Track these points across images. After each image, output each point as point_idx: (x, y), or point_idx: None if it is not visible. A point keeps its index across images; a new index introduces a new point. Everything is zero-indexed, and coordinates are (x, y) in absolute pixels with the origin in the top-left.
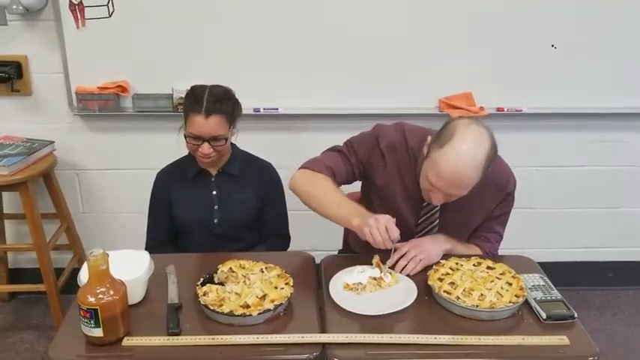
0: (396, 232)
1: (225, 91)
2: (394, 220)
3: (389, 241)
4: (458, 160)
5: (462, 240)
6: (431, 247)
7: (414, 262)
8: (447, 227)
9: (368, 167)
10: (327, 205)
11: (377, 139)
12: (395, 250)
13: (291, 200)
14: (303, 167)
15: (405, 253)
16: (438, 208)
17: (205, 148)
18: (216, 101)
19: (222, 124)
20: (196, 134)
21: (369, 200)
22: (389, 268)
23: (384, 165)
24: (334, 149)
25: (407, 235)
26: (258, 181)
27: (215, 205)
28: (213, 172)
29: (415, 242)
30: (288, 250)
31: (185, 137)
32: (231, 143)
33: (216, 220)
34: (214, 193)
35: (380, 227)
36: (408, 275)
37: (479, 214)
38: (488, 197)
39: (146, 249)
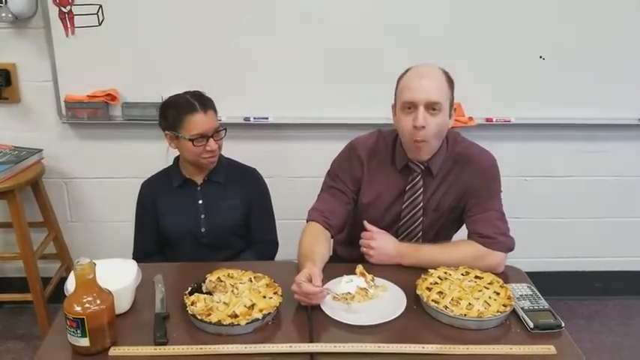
0: (313, 284)
1: (199, 91)
2: (308, 274)
3: (313, 299)
4: (420, 67)
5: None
6: (389, 251)
7: (366, 250)
8: (428, 210)
9: (359, 179)
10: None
11: (353, 149)
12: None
13: (280, 209)
14: (307, 220)
15: (369, 238)
16: (421, 191)
17: (212, 143)
18: (202, 98)
19: (216, 117)
20: (201, 132)
21: (355, 210)
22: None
23: (362, 171)
24: (324, 187)
25: (394, 221)
26: (244, 187)
27: (202, 215)
28: (199, 180)
29: (384, 236)
30: (277, 258)
31: (191, 141)
32: None
33: (203, 229)
34: (200, 202)
35: (299, 294)
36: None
37: (461, 196)
38: (469, 178)
39: (134, 259)
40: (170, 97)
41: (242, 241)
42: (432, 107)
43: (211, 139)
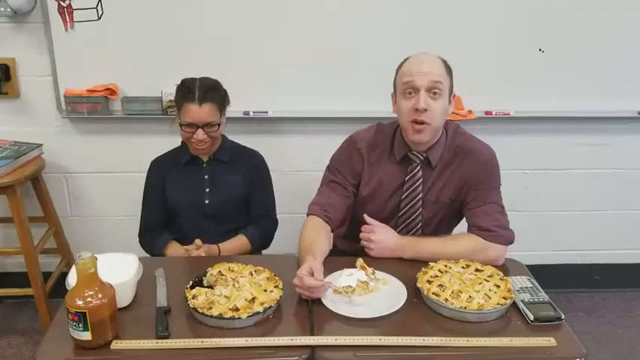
0: (313, 279)
1: (214, 82)
2: (309, 268)
3: (315, 292)
4: (419, 55)
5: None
6: (389, 244)
7: (366, 243)
8: (427, 202)
9: (359, 173)
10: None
11: (353, 143)
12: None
13: (280, 203)
14: (307, 214)
15: (369, 231)
16: (420, 182)
17: (200, 134)
18: (207, 90)
19: (214, 112)
20: (191, 122)
21: (355, 203)
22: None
23: (362, 165)
24: (324, 181)
25: (393, 212)
26: (246, 166)
27: (207, 188)
28: (205, 158)
29: (384, 229)
30: (276, 252)
31: (180, 126)
32: (222, 134)
33: (207, 201)
34: (206, 177)
35: (301, 288)
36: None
37: (460, 188)
38: (469, 170)
39: (140, 232)
40: (185, 79)
41: (243, 217)
42: (433, 89)
43: (200, 130)
